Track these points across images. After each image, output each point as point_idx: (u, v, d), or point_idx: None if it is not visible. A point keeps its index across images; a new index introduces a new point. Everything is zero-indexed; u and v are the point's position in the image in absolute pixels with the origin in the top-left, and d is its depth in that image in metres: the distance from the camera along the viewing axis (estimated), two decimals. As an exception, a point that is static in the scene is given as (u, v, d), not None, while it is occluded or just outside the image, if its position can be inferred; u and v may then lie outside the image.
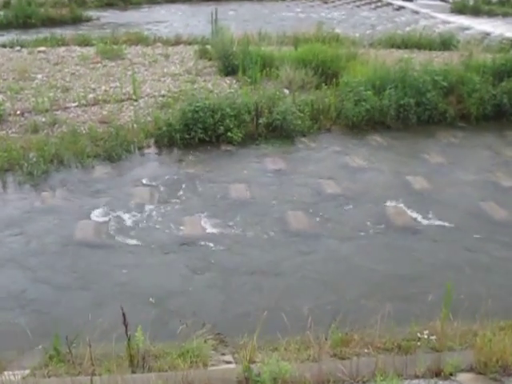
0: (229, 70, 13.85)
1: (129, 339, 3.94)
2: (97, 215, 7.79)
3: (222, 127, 10.25)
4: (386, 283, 6.39)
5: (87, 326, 4.50)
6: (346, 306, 5.63)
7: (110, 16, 24.94)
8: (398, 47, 17.31)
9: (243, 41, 14.68)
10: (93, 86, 12.82)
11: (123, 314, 3.89)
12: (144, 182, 8.86)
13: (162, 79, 13.50)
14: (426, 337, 4.62)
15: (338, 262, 6.87)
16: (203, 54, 15.48)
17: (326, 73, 13.03)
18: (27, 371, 4.20)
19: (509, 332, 4.40)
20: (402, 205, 8.31)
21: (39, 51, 15.97)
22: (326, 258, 6.94)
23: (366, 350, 4.42)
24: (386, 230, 7.62)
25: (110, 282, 6.38)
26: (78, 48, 16.53)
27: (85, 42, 17.11)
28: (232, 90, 12.07)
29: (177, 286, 6.32)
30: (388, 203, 8.36)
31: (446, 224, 7.76)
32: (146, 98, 12.14)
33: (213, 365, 4.21)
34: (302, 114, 10.91)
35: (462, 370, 3.99)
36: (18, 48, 16.55)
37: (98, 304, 5.92)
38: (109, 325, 4.14)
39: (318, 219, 7.86)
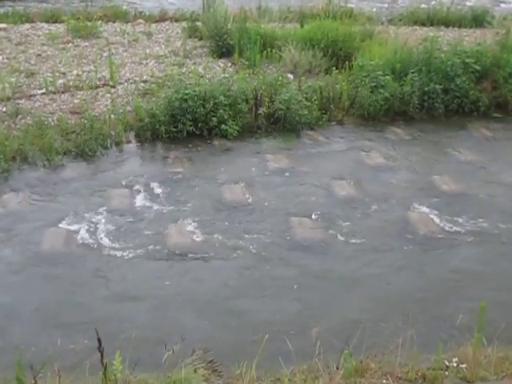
0: (223, 52, 13.85)
1: (105, 368, 3.95)
2: (67, 222, 7.80)
3: (214, 118, 10.27)
4: (408, 302, 6.41)
5: (56, 352, 4.50)
6: (361, 328, 5.63)
7: (82, -13, 24.93)
8: (422, 24, 17.30)
9: (240, 17, 14.68)
10: (63, 69, 12.82)
11: (98, 339, 3.89)
12: (123, 183, 8.87)
13: (144, 62, 13.49)
14: (455, 365, 4.63)
15: (350, 278, 6.88)
16: (193, 33, 15.48)
17: (338, 54, 13.03)
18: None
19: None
20: (426, 210, 8.34)
21: (-1, 29, 15.98)
22: (336, 274, 6.96)
23: (384, 381, 4.42)
24: (409, 240, 7.64)
25: (84, 299, 6.39)
26: (45, 25, 16.52)
27: (53, 18, 17.07)
28: (226, 75, 12.07)
29: (159, 306, 6.33)
30: (411, 208, 8.38)
31: (480, 233, 7.79)
32: (126, 83, 12.15)
33: (204, 398, 4.21)
34: (308, 103, 10.93)
35: (498, 404, 3.99)
36: (-26, 25, 16.56)
37: (68, 327, 5.94)
38: (82, 351, 4.14)
39: (327, 228, 7.87)
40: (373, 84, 11.33)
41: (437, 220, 8.09)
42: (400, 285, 6.77)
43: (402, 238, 7.69)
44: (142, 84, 12.05)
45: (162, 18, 17.67)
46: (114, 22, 17.11)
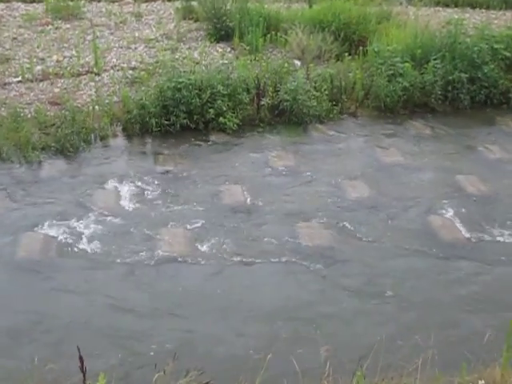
0: (221, 35, 13.85)
1: (88, 390, 3.94)
2: (46, 227, 7.81)
3: (211, 110, 10.27)
4: (429, 318, 6.42)
5: (34, 371, 4.51)
6: (376, 347, 5.64)
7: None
8: (446, 5, 17.27)
9: (240, -5, 14.70)
10: (41, 55, 12.82)
11: (80, 357, 3.89)
12: (108, 182, 8.87)
13: (133, 46, 13.49)
14: (481, 388, 4.64)
15: (364, 291, 6.90)
16: (187, 14, 15.46)
17: (350, 38, 13.04)
18: None
19: None
20: (450, 214, 8.35)
21: (-31, 9, 15.98)
22: (348, 286, 6.97)
23: (402, 406, 4.43)
24: (430, 249, 7.64)
25: (61, 314, 6.40)
26: (21, 5, 16.50)
27: (31, -3, 17.08)
28: (225, 61, 12.09)
29: (149, 321, 6.34)
30: (432, 212, 8.38)
31: (510, 241, 7.79)
32: (112, 71, 12.15)
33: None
34: (318, 94, 10.94)
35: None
36: None
37: (47, 344, 5.95)
38: (62, 371, 4.15)
39: (339, 234, 7.88)
40: (390, 72, 11.33)
41: (462, 226, 8.09)
42: (419, 298, 6.77)
43: (422, 246, 7.69)
44: (131, 71, 12.05)
45: (152, -4, 17.64)
46: (98, 1, 17.11)
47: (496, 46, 11.85)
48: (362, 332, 6.21)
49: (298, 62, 12.39)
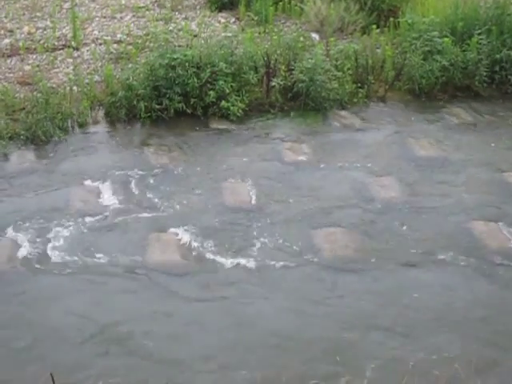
0: (224, 2, 13.85)
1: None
2: (13, 230, 7.78)
3: (212, 93, 10.23)
4: (471, 346, 6.33)
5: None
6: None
7: None
8: (493, -32, 17.24)
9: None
10: (9, 26, 12.84)
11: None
12: (87, 178, 8.85)
13: (118, 16, 13.50)
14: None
15: (398, 305, 6.83)
16: (184, -23, 15.49)
17: (379, 8, 13.01)
18: None
19: None
20: (496, 219, 8.27)
21: None
22: (378, 298, 6.92)
23: None
24: (472, 260, 7.56)
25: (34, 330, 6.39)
26: (-14, -35, 16.56)
27: (-3, -44, 17.11)
28: (229, 34, 12.04)
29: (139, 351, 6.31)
30: (475, 216, 8.32)
31: None
32: (93, 45, 12.13)
33: None
34: (339, 74, 10.89)
35: None
36: None
37: (18, 365, 5.94)
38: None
39: (367, 241, 7.83)
40: (426, 49, 11.27)
41: (509, 231, 8.03)
42: (456, 319, 6.68)
43: (463, 256, 7.61)
44: (115, 45, 12.04)
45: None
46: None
47: (552, 18, 11.81)
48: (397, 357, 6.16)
49: (315, 36, 12.35)
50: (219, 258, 7.46)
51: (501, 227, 8.14)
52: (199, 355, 6.18)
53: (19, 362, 6.10)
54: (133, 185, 8.73)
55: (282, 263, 7.44)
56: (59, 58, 11.61)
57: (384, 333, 6.51)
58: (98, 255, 7.46)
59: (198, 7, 14.00)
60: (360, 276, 7.31)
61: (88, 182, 8.79)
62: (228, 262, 7.41)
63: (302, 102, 10.70)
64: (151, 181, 8.83)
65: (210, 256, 7.50)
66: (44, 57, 11.57)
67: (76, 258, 7.38)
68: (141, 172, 9.01)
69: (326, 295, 7.03)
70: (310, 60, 10.68)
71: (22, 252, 7.46)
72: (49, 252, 7.47)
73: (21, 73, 11.08)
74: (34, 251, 7.47)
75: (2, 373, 5.90)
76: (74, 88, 10.52)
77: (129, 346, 6.31)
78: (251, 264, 7.40)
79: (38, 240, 7.63)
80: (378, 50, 11.60)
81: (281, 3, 13.30)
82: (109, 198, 8.48)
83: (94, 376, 5.92)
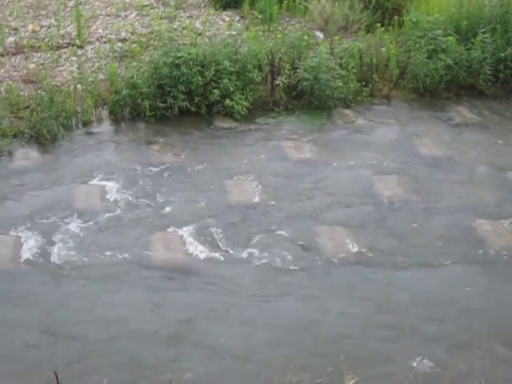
0: (228, 1, 13.82)
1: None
2: (17, 228, 7.77)
3: (216, 91, 10.22)
4: (473, 351, 6.32)
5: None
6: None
7: None
8: (498, -33, 17.21)
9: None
10: (14, 24, 12.80)
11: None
12: (92, 177, 8.84)
13: (123, 14, 13.47)
14: None
15: (404, 304, 6.82)
16: (188, -25, 15.48)
17: (383, 6, 12.97)
18: None
19: None
20: (502, 219, 8.26)
21: None
22: (387, 303, 6.91)
23: None
24: (478, 260, 7.57)
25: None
26: (-10, -36, 16.56)
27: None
28: (233, 33, 12.01)
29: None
30: (481, 215, 8.30)
31: None
32: (97, 43, 12.10)
33: None
34: (344, 72, 10.87)
35: None
36: None
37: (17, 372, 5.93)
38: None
39: (372, 240, 7.81)
40: (431, 47, 11.25)
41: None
42: (458, 323, 6.65)
43: (468, 256, 7.62)
44: (120, 44, 12.01)
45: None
46: (82, -40, 17.11)
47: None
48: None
49: (320, 34, 12.32)
50: (225, 251, 7.48)
51: (505, 225, 8.13)
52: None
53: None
54: (138, 183, 8.72)
55: (285, 254, 7.46)
56: (63, 57, 11.59)
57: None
58: (100, 254, 7.43)
59: (202, 5, 13.97)
60: (359, 274, 7.32)
61: (92, 181, 8.78)
62: (238, 252, 7.45)
63: (307, 100, 10.69)
64: (156, 179, 8.82)
65: (214, 250, 7.52)
66: (48, 55, 11.55)
67: (78, 258, 7.37)
68: (145, 170, 9.00)
69: (325, 281, 7.05)
70: (314, 58, 10.67)
71: (25, 250, 7.42)
72: (53, 251, 7.44)
73: (25, 71, 11.07)
74: (37, 251, 7.44)
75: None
76: (79, 86, 10.51)
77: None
78: (255, 254, 7.44)
79: (41, 238, 7.61)
80: (383, 49, 11.57)
81: (285, 2, 13.26)
82: (113, 196, 8.46)
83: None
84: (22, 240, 7.61)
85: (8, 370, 5.93)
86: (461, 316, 6.73)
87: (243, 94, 10.38)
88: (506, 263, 7.54)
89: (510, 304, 6.96)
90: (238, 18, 13.30)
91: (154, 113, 10.13)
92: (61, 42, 12.11)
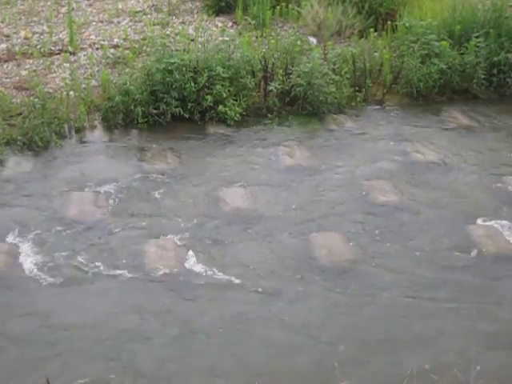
0: (221, 6, 13.87)
1: None
2: (9, 237, 7.75)
3: (209, 97, 10.23)
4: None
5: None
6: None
7: None
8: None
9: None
10: (6, 30, 12.81)
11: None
12: (84, 185, 8.83)
13: (115, 20, 13.50)
14: None
15: (393, 317, 6.81)
16: (181, -19, 15.50)
17: (376, 11, 13.04)
18: None
19: None
20: (495, 222, 8.27)
21: None
22: (379, 314, 6.89)
23: None
24: (473, 266, 7.56)
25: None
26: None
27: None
28: (226, 38, 12.01)
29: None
30: (475, 220, 8.31)
31: None
32: (90, 49, 12.12)
33: None
34: (337, 77, 10.89)
35: None
36: None
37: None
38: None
39: (363, 247, 7.79)
40: (424, 52, 11.29)
41: (507, 234, 8.03)
42: (455, 335, 6.62)
43: (462, 262, 7.60)
44: (112, 50, 12.03)
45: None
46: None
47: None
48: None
49: (313, 40, 12.35)
50: (217, 262, 7.42)
51: (499, 229, 8.13)
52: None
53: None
54: (129, 191, 8.70)
55: (279, 267, 7.41)
56: (56, 63, 11.61)
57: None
58: (91, 264, 7.37)
59: (195, 11, 14.03)
60: (352, 280, 7.28)
61: (85, 189, 8.76)
62: (230, 263, 7.40)
63: (300, 106, 10.70)
64: (148, 187, 8.80)
65: (206, 260, 7.46)
66: (41, 62, 11.57)
67: (70, 268, 7.34)
68: (137, 178, 8.99)
69: (322, 290, 7.03)
70: (307, 64, 10.68)
71: (16, 261, 7.38)
72: (44, 260, 7.40)
73: (17, 78, 11.07)
74: (28, 261, 7.39)
75: None
76: (71, 93, 10.51)
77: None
78: (248, 266, 7.36)
79: (32, 246, 7.59)
80: (376, 54, 11.61)
81: (278, 7, 13.33)
82: (105, 203, 8.45)
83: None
84: (14, 248, 7.58)
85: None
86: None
87: (236, 100, 10.40)
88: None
89: None
90: (230, 24, 13.35)
91: (146, 119, 10.14)
92: (53, 48, 12.13)
